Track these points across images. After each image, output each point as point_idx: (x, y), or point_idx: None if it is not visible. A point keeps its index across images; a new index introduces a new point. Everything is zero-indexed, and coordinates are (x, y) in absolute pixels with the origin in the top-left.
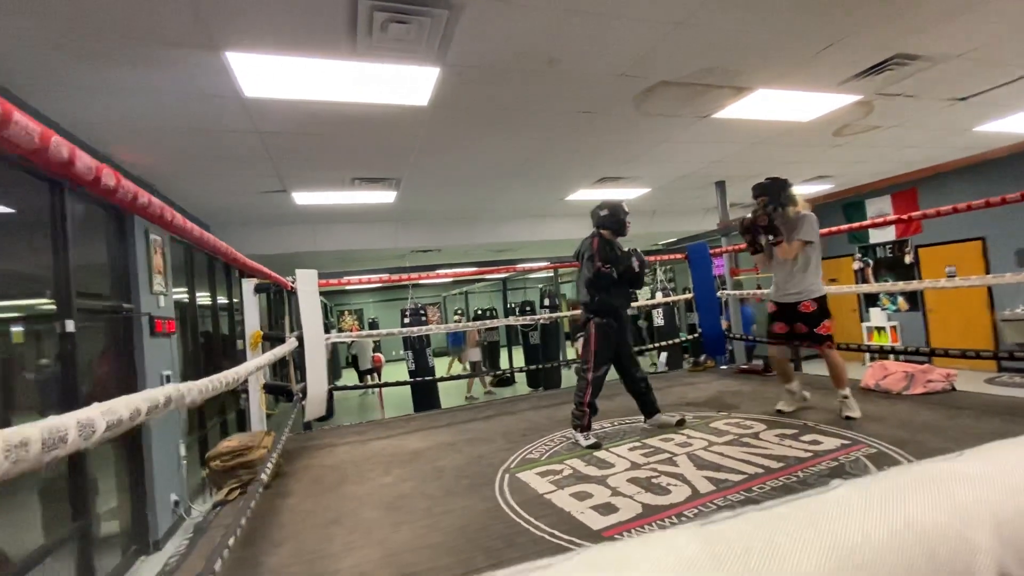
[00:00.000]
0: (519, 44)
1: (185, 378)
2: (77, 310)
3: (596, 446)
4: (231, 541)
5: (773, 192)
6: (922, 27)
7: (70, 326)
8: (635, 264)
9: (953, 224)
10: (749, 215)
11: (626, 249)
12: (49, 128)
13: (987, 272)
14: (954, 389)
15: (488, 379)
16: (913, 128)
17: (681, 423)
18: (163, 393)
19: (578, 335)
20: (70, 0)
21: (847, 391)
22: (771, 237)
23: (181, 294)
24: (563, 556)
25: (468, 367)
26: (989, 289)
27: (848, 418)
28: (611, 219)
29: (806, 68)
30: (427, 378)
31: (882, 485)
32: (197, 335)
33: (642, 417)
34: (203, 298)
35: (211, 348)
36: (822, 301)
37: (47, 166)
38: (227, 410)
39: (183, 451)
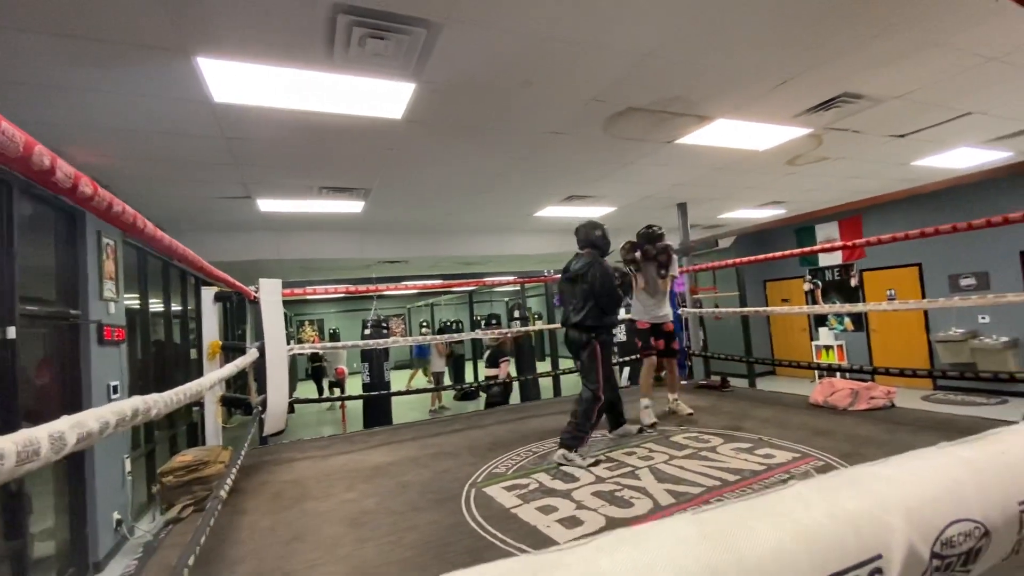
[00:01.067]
0: (495, 65)
1: (133, 389)
2: (19, 315)
3: (597, 462)
4: (191, 560)
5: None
6: (865, 68)
7: (11, 333)
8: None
9: (894, 251)
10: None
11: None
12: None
13: (923, 296)
14: (894, 406)
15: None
16: (858, 160)
17: (641, 430)
18: (131, 406)
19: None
20: None
21: (678, 395)
22: (664, 271)
23: (132, 300)
24: (586, 539)
25: (432, 379)
26: (925, 312)
27: (689, 415)
28: (603, 240)
29: (762, 101)
30: (392, 391)
31: (824, 483)
32: (148, 344)
33: (603, 431)
34: (155, 305)
35: (163, 358)
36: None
37: (27, 173)
38: (176, 423)
39: (128, 467)
